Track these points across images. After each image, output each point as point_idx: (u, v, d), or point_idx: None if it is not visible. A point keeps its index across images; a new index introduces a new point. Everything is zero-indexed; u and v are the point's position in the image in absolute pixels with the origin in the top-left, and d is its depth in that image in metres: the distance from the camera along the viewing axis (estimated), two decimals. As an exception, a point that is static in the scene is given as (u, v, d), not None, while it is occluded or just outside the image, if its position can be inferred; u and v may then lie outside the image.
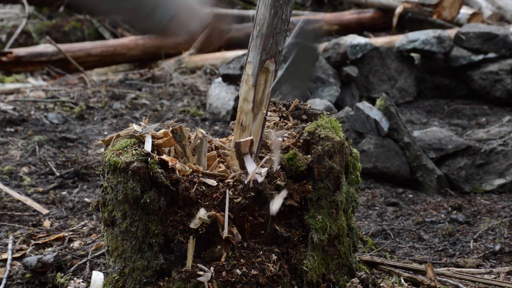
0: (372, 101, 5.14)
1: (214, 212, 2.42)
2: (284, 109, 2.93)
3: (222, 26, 2.43)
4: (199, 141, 2.56)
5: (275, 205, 2.42)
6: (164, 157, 2.53)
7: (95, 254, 3.28)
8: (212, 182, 2.48)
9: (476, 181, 4.59)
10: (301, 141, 2.63)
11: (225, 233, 2.40)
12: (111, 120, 6.02)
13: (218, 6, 2.43)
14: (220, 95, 6.19)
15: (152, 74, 7.49)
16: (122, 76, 7.50)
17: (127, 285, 2.54)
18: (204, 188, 2.46)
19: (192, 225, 2.42)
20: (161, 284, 2.46)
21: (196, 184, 2.46)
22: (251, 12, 9.18)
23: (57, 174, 4.66)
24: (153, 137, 2.62)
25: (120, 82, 7.23)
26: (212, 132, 5.57)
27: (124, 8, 2.12)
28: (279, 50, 2.55)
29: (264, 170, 2.48)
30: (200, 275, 2.40)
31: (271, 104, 2.97)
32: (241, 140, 2.49)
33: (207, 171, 2.55)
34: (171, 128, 2.71)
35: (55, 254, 3.24)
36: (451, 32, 7.24)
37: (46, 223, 3.86)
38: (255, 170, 2.43)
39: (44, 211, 4.04)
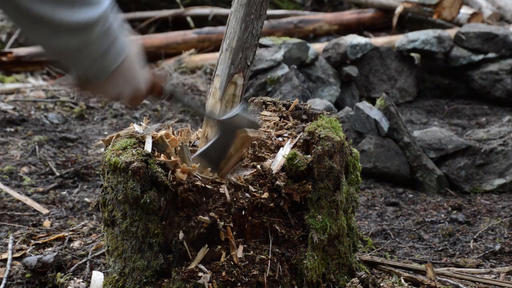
0: (372, 101, 5.14)
1: (214, 215, 2.42)
2: (284, 109, 2.93)
3: (161, 85, 1.99)
4: (179, 148, 2.54)
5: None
6: (162, 157, 2.53)
7: (95, 254, 3.28)
8: (212, 184, 2.48)
9: (476, 181, 4.59)
10: (301, 141, 2.63)
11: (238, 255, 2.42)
12: (111, 120, 6.02)
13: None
14: (220, 95, 6.19)
15: (152, 74, 7.48)
16: (122, 76, 7.49)
17: (127, 285, 2.54)
18: (203, 190, 2.46)
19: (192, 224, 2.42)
20: (161, 284, 2.46)
21: (196, 186, 2.46)
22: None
23: (57, 174, 4.66)
24: (154, 138, 2.62)
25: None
26: (212, 132, 5.57)
27: (70, 48, 1.57)
28: (248, 64, 2.55)
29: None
30: (200, 277, 2.40)
31: (271, 104, 2.97)
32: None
33: (204, 176, 2.54)
34: (171, 129, 2.71)
35: (55, 254, 3.24)
36: (451, 32, 7.24)
37: (46, 223, 3.86)
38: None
39: (44, 211, 4.04)
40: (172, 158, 2.52)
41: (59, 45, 1.54)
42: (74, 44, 1.54)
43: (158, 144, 2.54)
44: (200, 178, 2.49)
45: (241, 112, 2.35)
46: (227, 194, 2.44)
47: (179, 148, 2.53)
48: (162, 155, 2.56)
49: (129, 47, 1.70)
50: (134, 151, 2.50)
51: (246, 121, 2.34)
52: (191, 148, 2.74)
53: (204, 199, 2.44)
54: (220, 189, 2.46)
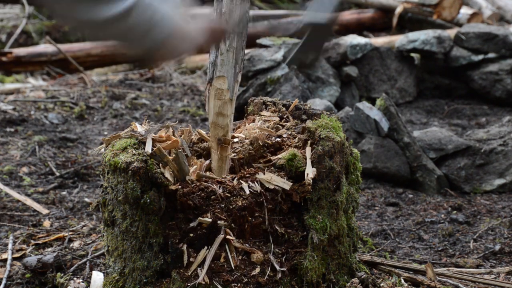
0: (372, 101, 5.14)
1: (213, 217, 2.42)
2: (284, 109, 2.93)
3: (219, 38, 2.18)
4: (174, 154, 2.54)
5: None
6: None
7: (95, 254, 3.28)
8: (212, 187, 2.48)
9: (476, 181, 4.59)
10: (301, 141, 2.64)
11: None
12: (111, 120, 6.02)
13: (212, 22, 2.19)
14: (220, 95, 6.18)
15: (152, 74, 7.49)
16: (122, 76, 7.50)
17: (127, 285, 2.54)
18: (202, 193, 2.46)
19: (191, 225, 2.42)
20: (161, 284, 2.46)
21: (195, 190, 2.46)
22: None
23: (57, 174, 4.66)
24: (156, 140, 2.62)
25: (120, 82, 7.23)
26: (212, 132, 5.56)
27: (116, 33, 1.73)
28: (244, 61, 2.62)
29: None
30: (199, 277, 2.40)
31: (270, 104, 2.97)
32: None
33: (206, 174, 2.54)
34: (170, 129, 2.71)
35: (55, 254, 3.24)
36: (451, 32, 7.24)
37: (46, 223, 3.86)
38: None
39: (44, 211, 4.04)
40: (167, 171, 2.50)
41: (106, 35, 1.70)
42: (119, 30, 1.67)
43: (156, 155, 2.52)
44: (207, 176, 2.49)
45: (310, 12, 2.34)
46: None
47: (174, 155, 2.52)
48: (160, 164, 2.55)
49: (174, 10, 1.79)
50: (134, 151, 2.50)
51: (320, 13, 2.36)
52: (191, 148, 2.74)
53: (203, 201, 2.44)
54: (219, 190, 2.46)
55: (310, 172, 2.50)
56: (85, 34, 1.77)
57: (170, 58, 1.92)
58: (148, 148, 2.55)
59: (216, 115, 2.58)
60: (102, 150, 2.67)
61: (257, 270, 2.44)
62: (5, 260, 3.33)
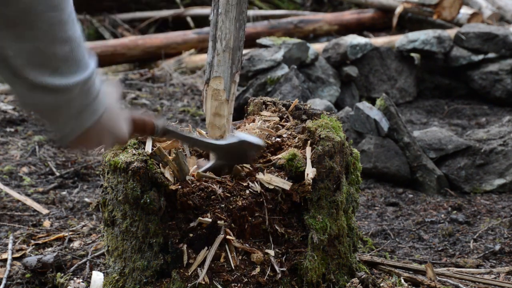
0: (372, 101, 5.14)
1: (213, 217, 2.42)
2: (284, 109, 2.93)
3: (152, 123, 1.99)
4: (174, 154, 2.54)
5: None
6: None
7: (95, 254, 3.28)
8: (212, 187, 2.48)
9: (476, 181, 4.59)
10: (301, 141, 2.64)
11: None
12: (111, 120, 6.01)
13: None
14: (220, 95, 6.18)
15: (152, 74, 7.49)
16: (122, 76, 7.50)
17: (127, 285, 2.54)
18: (202, 193, 2.46)
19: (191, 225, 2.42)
20: (161, 284, 2.46)
21: (195, 190, 2.46)
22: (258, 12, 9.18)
23: (57, 174, 4.66)
24: (156, 140, 2.62)
25: (120, 82, 7.23)
26: (212, 132, 5.56)
27: (53, 103, 1.50)
28: (242, 61, 2.63)
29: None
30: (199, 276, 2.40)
31: (270, 104, 2.97)
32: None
33: (206, 174, 2.54)
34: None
35: (55, 254, 3.24)
36: (451, 32, 7.24)
37: (46, 223, 3.86)
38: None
39: (44, 211, 4.04)
40: (167, 171, 2.50)
41: (32, 102, 1.48)
42: (49, 102, 1.49)
43: (156, 155, 2.52)
44: (206, 176, 2.49)
45: (245, 138, 2.44)
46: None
47: (174, 155, 2.52)
48: (160, 164, 2.55)
49: (108, 98, 1.64)
50: (134, 151, 2.50)
51: (250, 146, 2.44)
52: (191, 149, 2.74)
53: (203, 201, 2.44)
54: (219, 190, 2.46)
55: (310, 172, 2.50)
56: (15, 95, 1.52)
57: (89, 145, 1.68)
58: (148, 148, 2.55)
59: (213, 116, 2.59)
60: (102, 150, 2.67)
61: (257, 270, 2.44)
62: (5, 260, 3.33)
